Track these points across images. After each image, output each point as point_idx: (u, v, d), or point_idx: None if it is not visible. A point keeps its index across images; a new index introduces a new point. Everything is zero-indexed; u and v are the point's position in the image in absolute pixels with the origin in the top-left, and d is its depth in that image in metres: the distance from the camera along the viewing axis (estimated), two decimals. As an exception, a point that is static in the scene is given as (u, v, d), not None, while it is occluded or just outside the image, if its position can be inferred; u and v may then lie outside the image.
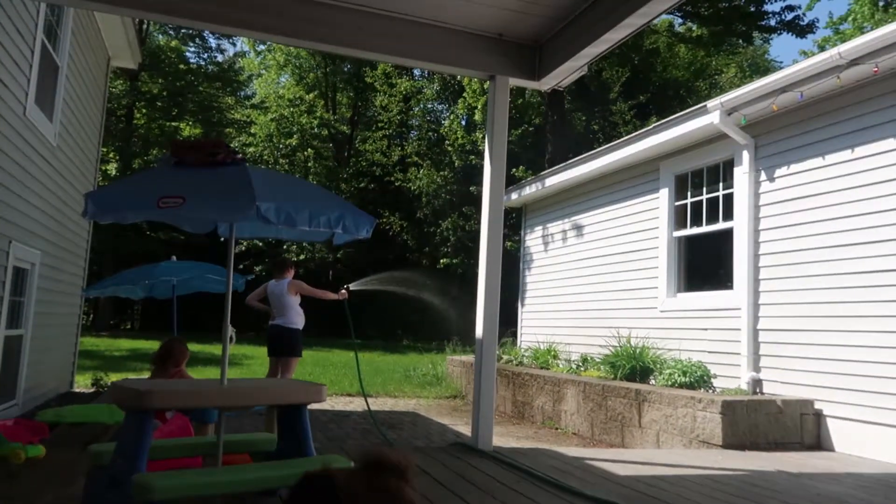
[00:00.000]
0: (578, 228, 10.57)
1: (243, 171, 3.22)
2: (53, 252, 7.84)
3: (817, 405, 6.28)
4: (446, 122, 28.54)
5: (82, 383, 9.65)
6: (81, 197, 8.75)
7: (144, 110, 27.90)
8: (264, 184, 3.15)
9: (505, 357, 10.61)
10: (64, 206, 8.14)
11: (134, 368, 12.25)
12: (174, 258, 7.16)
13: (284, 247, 27.47)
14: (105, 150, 20.25)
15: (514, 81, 5.75)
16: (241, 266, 24.96)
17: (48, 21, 6.98)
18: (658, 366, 7.54)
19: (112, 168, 25.65)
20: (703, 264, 8.76)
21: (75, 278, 9.25)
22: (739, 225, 7.31)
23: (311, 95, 30.50)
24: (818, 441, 6.25)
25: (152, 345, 16.54)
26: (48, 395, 8.22)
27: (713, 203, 7.89)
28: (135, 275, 6.81)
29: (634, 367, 7.61)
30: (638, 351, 7.80)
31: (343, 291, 6.73)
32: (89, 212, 2.98)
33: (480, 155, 24.96)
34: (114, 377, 9.19)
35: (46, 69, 7.00)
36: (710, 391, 6.84)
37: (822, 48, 23.91)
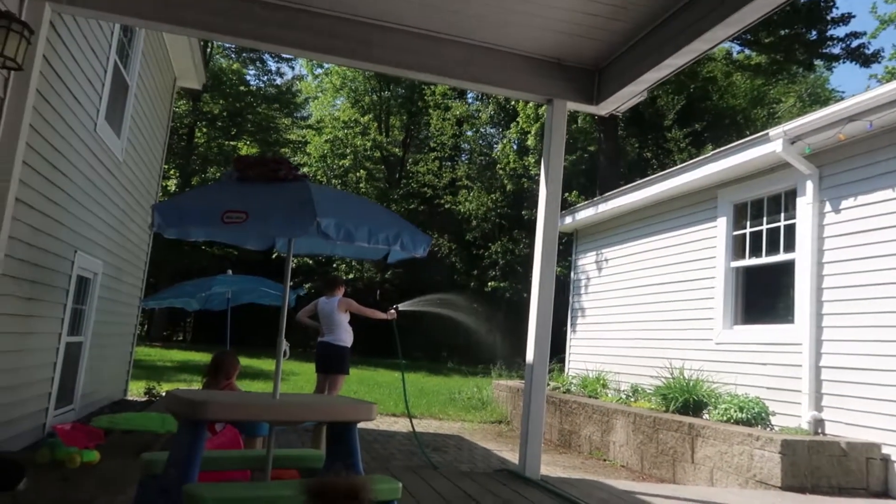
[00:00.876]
0: (631, 255, 10.38)
1: (304, 187, 3.26)
2: (115, 263, 8.09)
3: (885, 450, 5.95)
4: (498, 146, 28.64)
5: (135, 392, 9.88)
6: (144, 211, 9.06)
7: (205, 129, 28.86)
8: (325, 200, 3.18)
9: (552, 384, 10.44)
10: (127, 219, 8.42)
11: (185, 380, 12.51)
12: (230, 272, 7.31)
13: (334, 265, 27.81)
14: (167, 166, 20.94)
15: (572, 105, 5.72)
16: (291, 283, 25.34)
17: (121, 42, 7.28)
18: (713, 400, 7.29)
19: (172, 184, 26.51)
20: (762, 296, 8.47)
21: (134, 289, 9.53)
22: (802, 257, 7.05)
23: (366, 118, 31.03)
24: (886, 488, 5.90)
25: (203, 357, 16.88)
26: (102, 401, 8.44)
27: (774, 233, 7.64)
28: (192, 287, 6.97)
29: (688, 400, 7.37)
30: (691, 383, 7.55)
31: (392, 312, 6.73)
32: (156, 223, 3.06)
33: (532, 179, 24.92)
34: (166, 387, 9.39)
35: (117, 88, 7.29)
36: (769, 429, 6.57)
37: (893, 76, 23.16)
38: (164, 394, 8.54)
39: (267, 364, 16.74)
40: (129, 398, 9.55)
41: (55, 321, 6.15)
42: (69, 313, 6.44)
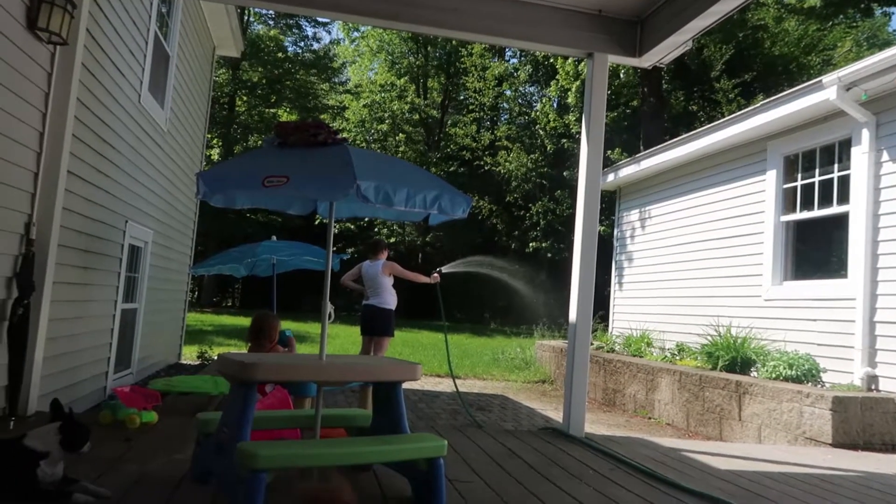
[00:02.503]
0: (676, 212, 10.17)
1: (344, 150, 3.27)
2: (164, 231, 8.30)
3: (943, 405, 5.79)
4: (538, 105, 28.15)
5: (188, 356, 10.23)
6: (189, 180, 9.23)
7: (245, 98, 29.11)
8: (364, 163, 3.19)
9: (596, 343, 10.41)
10: (174, 188, 8.60)
11: (235, 344, 12.88)
12: (274, 238, 7.43)
13: (376, 229, 28.02)
14: (209, 135, 21.26)
15: (614, 59, 5.56)
16: (334, 248, 25.72)
17: (160, 12, 7.34)
18: (761, 357, 7.17)
19: (215, 153, 26.92)
20: (813, 251, 8.23)
21: (183, 257, 9.78)
22: (856, 209, 6.80)
23: (403, 80, 30.80)
24: (943, 444, 5.76)
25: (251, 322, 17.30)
26: (158, 365, 8.76)
27: (826, 185, 7.38)
28: (238, 253, 7.12)
29: (735, 357, 7.27)
30: (739, 341, 7.44)
31: (435, 275, 6.77)
32: (201, 191, 3.11)
33: (572, 138, 24.48)
34: (217, 351, 9.69)
35: (158, 59, 7.38)
36: (819, 386, 6.44)
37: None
38: (215, 357, 8.82)
39: (313, 327, 17.10)
40: (183, 362, 9.90)
41: (110, 289, 6.37)
42: (123, 281, 6.66)
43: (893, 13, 23.77)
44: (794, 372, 6.56)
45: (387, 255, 7.01)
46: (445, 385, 9.67)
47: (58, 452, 2.88)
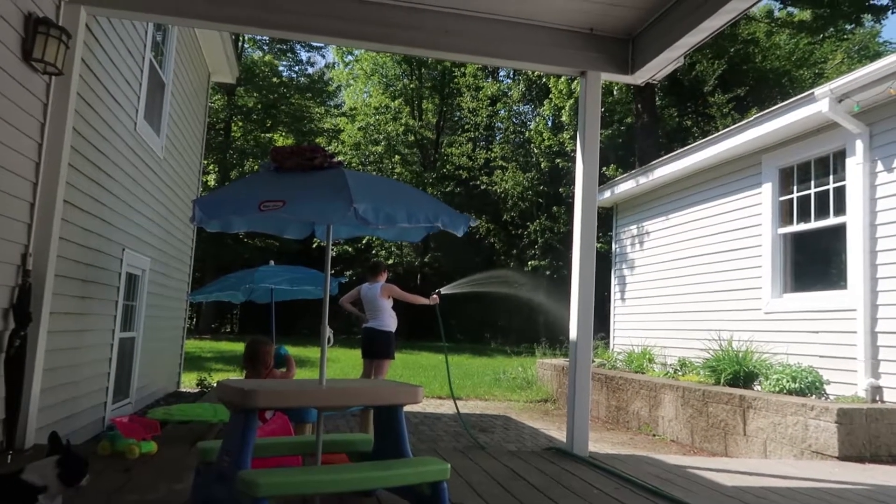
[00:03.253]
0: (674, 227, 10.19)
1: (340, 173, 3.27)
2: (161, 259, 8.29)
3: (948, 415, 5.75)
4: (532, 125, 28.33)
5: (188, 383, 10.15)
6: (186, 206, 9.23)
7: (241, 123, 29.26)
8: (361, 185, 3.19)
9: (597, 360, 10.36)
10: (171, 215, 8.60)
11: (234, 370, 12.80)
12: (272, 262, 7.42)
13: (374, 251, 28.02)
14: (205, 162, 21.34)
15: (607, 76, 5.60)
16: (332, 271, 25.73)
17: (155, 40, 7.39)
18: (763, 371, 7.13)
19: (211, 179, 26.99)
20: (812, 263, 8.23)
21: (181, 283, 9.75)
22: (853, 219, 6.81)
23: (397, 102, 31.02)
24: (950, 454, 5.71)
25: (251, 347, 17.20)
26: (157, 394, 8.69)
27: (822, 197, 7.40)
28: (236, 279, 7.09)
29: (737, 371, 7.23)
30: (741, 355, 7.40)
31: (434, 297, 6.73)
32: (197, 217, 3.10)
33: (567, 156, 24.61)
34: (217, 378, 9.62)
35: (154, 86, 7.42)
36: (823, 398, 6.40)
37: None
38: (215, 384, 8.76)
39: (312, 352, 17.01)
40: (183, 390, 9.82)
41: (108, 318, 6.33)
42: (121, 310, 6.63)
43: (884, 23, 23.94)
44: (797, 385, 6.52)
45: (386, 278, 6.99)
46: (447, 407, 9.60)
47: (56, 486, 2.84)
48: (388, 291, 6.72)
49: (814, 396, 6.42)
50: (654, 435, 7.81)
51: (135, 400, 7.40)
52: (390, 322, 6.71)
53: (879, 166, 6.63)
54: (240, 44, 28.61)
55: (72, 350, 5.39)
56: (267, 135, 29.09)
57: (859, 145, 6.76)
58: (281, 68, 31.19)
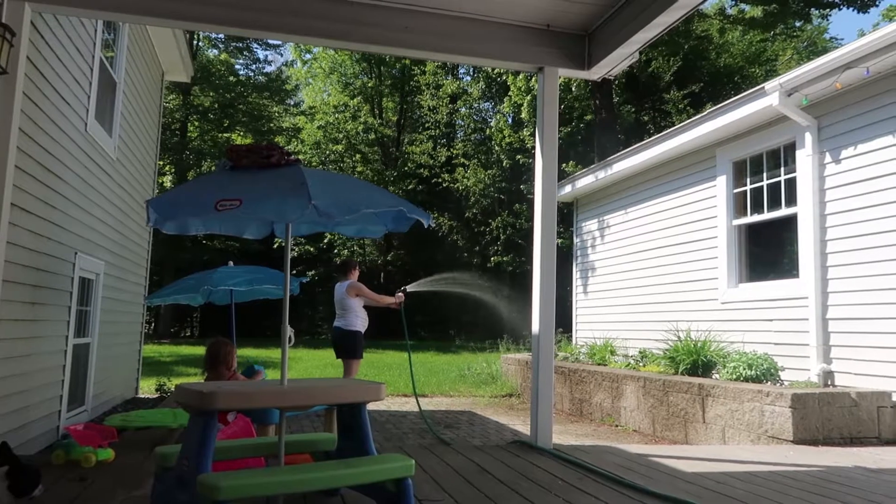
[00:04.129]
0: (633, 220, 10.35)
1: (297, 171, 3.23)
2: (116, 263, 8.08)
3: (896, 397, 5.97)
4: (492, 122, 28.47)
5: (146, 389, 9.93)
6: (141, 209, 9.03)
7: (197, 123, 28.71)
8: (318, 182, 3.15)
9: (560, 354, 10.46)
10: (125, 217, 8.39)
11: (195, 374, 12.58)
12: (231, 263, 7.29)
13: (336, 251, 27.82)
14: (161, 163, 20.88)
15: (564, 72, 5.65)
16: (293, 271, 25.48)
17: (105, 39, 7.20)
18: (721, 359, 7.30)
19: (167, 181, 26.45)
20: (766, 253, 8.46)
21: (138, 287, 9.53)
22: (804, 210, 7.02)
23: (355, 101, 30.84)
24: (898, 434, 5.93)
25: (212, 350, 16.92)
26: (115, 401, 8.48)
27: (774, 189, 7.59)
28: (195, 281, 6.95)
29: (696, 360, 7.38)
30: (699, 344, 7.56)
31: (400, 295, 6.71)
32: (152, 219, 3.03)
33: (528, 153, 24.78)
34: (177, 382, 9.43)
35: (105, 86, 7.22)
36: (778, 384, 6.58)
37: (889, 19, 22.77)
38: (174, 389, 8.59)
39: (274, 353, 16.82)
40: (141, 396, 9.60)
41: (61, 324, 6.15)
42: (74, 315, 6.45)
43: (831, 20, 24.76)
44: (753, 372, 6.69)
45: (357, 276, 6.91)
46: (412, 404, 9.59)
47: (7, 498, 2.75)
48: (354, 290, 6.67)
49: (769, 383, 6.59)
50: (616, 425, 7.93)
51: (91, 407, 7.21)
52: (356, 322, 6.66)
53: (828, 158, 6.84)
54: (195, 42, 28.06)
55: (22, 357, 5.22)
56: (224, 135, 28.61)
57: (808, 138, 6.96)
58: (238, 67, 30.70)
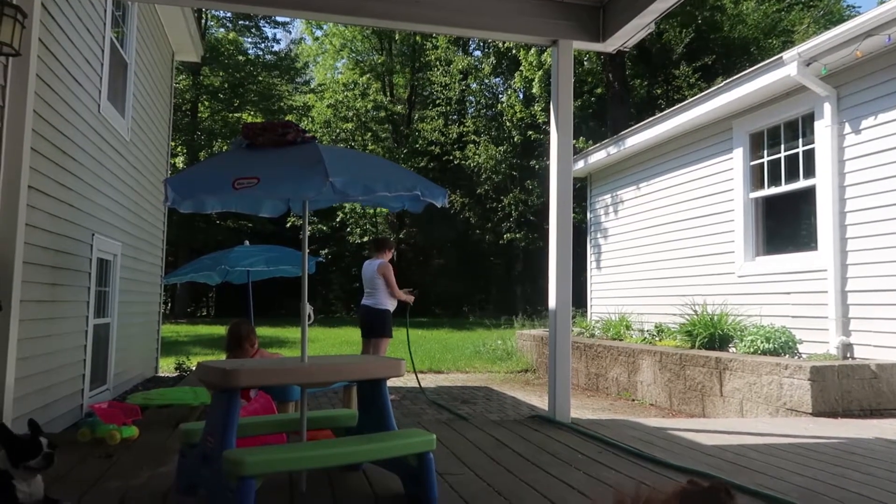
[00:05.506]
0: (647, 195, 10.27)
1: (314, 148, 3.22)
2: (132, 243, 8.14)
3: (916, 368, 5.92)
4: (504, 98, 28.22)
5: (166, 368, 10.06)
6: (156, 189, 9.06)
7: (207, 103, 28.69)
8: (335, 159, 3.14)
9: (576, 329, 10.47)
10: (140, 198, 8.43)
11: (213, 354, 12.71)
12: (247, 243, 7.33)
13: (348, 229, 27.85)
14: (173, 143, 20.91)
15: (578, 45, 5.57)
16: (307, 250, 25.56)
17: (115, 19, 7.17)
18: (738, 333, 7.27)
19: (180, 161, 26.51)
20: (783, 226, 8.36)
21: (154, 268, 9.60)
22: (823, 182, 6.92)
23: (365, 78, 30.65)
24: (918, 406, 5.90)
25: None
26: (135, 379, 8.60)
27: (792, 160, 7.50)
28: (211, 260, 7.00)
29: (713, 334, 7.36)
30: (716, 318, 7.53)
31: (412, 295, 6.88)
32: (170, 198, 3.03)
33: (539, 129, 24.58)
34: (195, 361, 9.53)
35: (116, 66, 7.21)
36: (796, 357, 6.55)
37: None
38: (193, 368, 8.69)
39: (291, 332, 16.94)
40: (161, 374, 9.73)
41: (81, 304, 6.22)
42: (94, 296, 6.51)
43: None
44: (771, 345, 6.66)
45: (390, 257, 6.94)
46: (429, 380, 9.65)
47: (13, 469, 2.78)
48: (382, 270, 6.68)
49: (787, 356, 6.56)
50: (633, 400, 7.94)
51: (113, 386, 7.31)
52: (386, 301, 6.68)
53: (847, 128, 6.72)
54: (203, 21, 27.93)
55: (45, 338, 5.29)
56: (235, 114, 28.57)
57: (827, 108, 6.84)
58: (246, 46, 30.56)
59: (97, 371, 6.80)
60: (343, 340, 15.02)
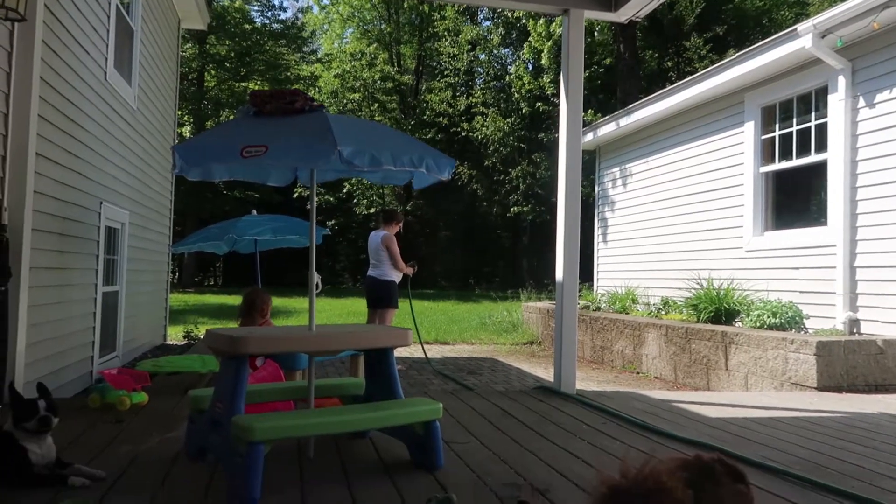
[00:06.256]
0: (657, 168, 10.19)
1: (322, 116, 3.19)
2: (140, 212, 8.15)
3: (922, 344, 5.92)
4: (512, 69, 27.91)
5: (174, 336, 10.15)
6: (163, 158, 9.05)
7: (214, 72, 28.49)
8: (344, 128, 3.12)
9: (582, 302, 10.48)
10: (147, 167, 8.42)
11: (221, 323, 12.80)
12: (254, 212, 7.32)
13: (355, 200, 27.82)
14: (180, 113, 20.82)
15: (590, 14, 5.48)
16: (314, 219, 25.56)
17: (120, -16, 7.09)
18: (745, 308, 7.26)
19: (186, 131, 26.43)
20: (793, 200, 8.31)
21: (162, 237, 9.63)
22: (834, 156, 6.85)
23: (372, 48, 30.32)
24: (923, 382, 5.90)
25: (236, 299, 17.16)
26: (144, 347, 8.68)
27: (804, 135, 7.41)
28: (218, 230, 7.00)
29: (719, 308, 7.36)
30: (722, 293, 7.52)
31: (413, 265, 6.91)
32: (178, 165, 3.03)
33: (548, 100, 24.34)
34: (203, 330, 9.61)
35: (122, 34, 7.15)
36: (803, 332, 6.55)
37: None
38: (201, 336, 8.76)
39: (297, 302, 17.04)
40: (169, 342, 9.82)
41: (90, 272, 6.25)
42: (102, 264, 6.55)
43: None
44: (777, 320, 6.66)
45: (396, 230, 6.94)
46: (435, 351, 9.71)
47: (20, 432, 2.82)
48: (386, 242, 6.70)
49: (794, 331, 6.56)
50: (638, 372, 7.98)
51: (122, 353, 7.39)
52: (391, 272, 6.70)
53: (861, 102, 6.63)
54: (209, -11, 27.58)
55: (55, 305, 5.33)
56: (242, 84, 28.37)
57: (842, 81, 6.74)
58: (253, 14, 30.21)
59: (106, 338, 6.86)
60: (350, 311, 15.10)
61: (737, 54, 7.99)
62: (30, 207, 4.56)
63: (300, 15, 33.66)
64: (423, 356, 7.67)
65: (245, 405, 3.05)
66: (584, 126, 11.99)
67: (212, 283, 30.66)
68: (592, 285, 12.03)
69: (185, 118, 26.43)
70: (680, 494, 1.25)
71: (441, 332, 11.80)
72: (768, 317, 6.71)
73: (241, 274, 25.70)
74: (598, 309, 10.07)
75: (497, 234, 29.52)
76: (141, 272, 8.31)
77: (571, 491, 2.92)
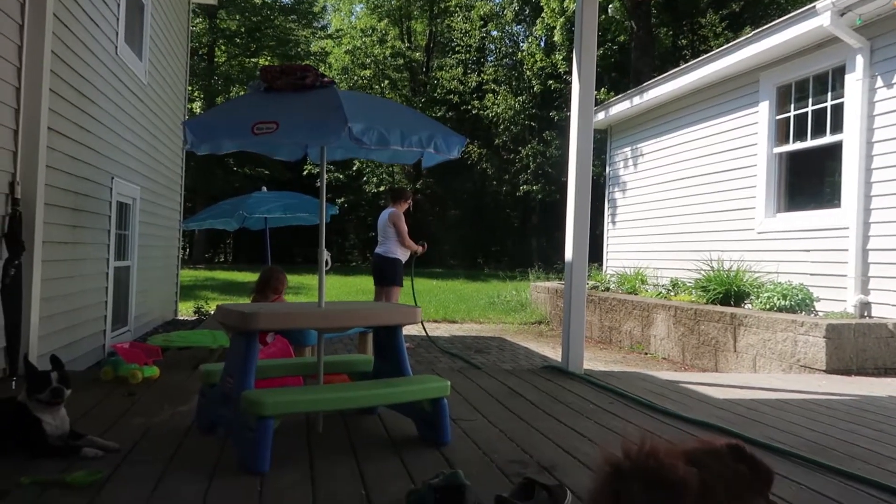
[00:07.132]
0: (669, 148, 10.10)
1: (333, 93, 3.18)
2: (151, 187, 8.18)
3: (934, 328, 5.88)
4: (524, 46, 27.64)
5: (185, 312, 10.23)
6: (174, 134, 9.06)
7: (224, 48, 28.39)
8: (354, 105, 3.10)
9: (590, 282, 10.47)
10: (158, 143, 8.44)
11: (231, 299, 12.89)
12: (264, 189, 7.35)
13: (365, 178, 27.80)
14: (190, 88, 20.77)
15: (604, -10, 5.40)
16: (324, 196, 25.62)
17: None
18: (755, 289, 7.23)
19: (197, 107, 26.41)
20: (806, 182, 8.22)
21: (173, 213, 9.68)
22: (850, 137, 6.76)
23: (383, 23, 30.09)
24: (933, 366, 5.88)
25: (245, 276, 17.31)
26: (155, 322, 8.77)
27: (819, 115, 7.31)
28: (229, 206, 7.04)
29: (729, 290, 7.33)
30: (732, 274, 7.49)
31: (422, 245, 6.93)
32: (189, 140, 3.03)
33: (560, 78, 24.11)
34: (213, 306, 9.69)
35: (132, 8, 7.12)
36: (813, 315, 6.52)
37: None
38: (212, 312, 8.83)
39: (307, 279, 17.12)
40: (180, 318, 9.91)
41: (102, 247, 6.30)
42: (114, 239, 6.60)
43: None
44: (787, 302, 6.63)
45: (405, 207, 6.96)
46: (443, 329, 9.76)
47: (34, 403, 2.86)
48: (393, 219, 6.72)
49: (804, 313, 6.54)
50: (646, 353, 7.99)
51: (133, 328, 7.47)
52: (397, 250, 6.73)
53: (879, 82, 6.52)
54: (219, -37, 27.39)
55: (67, 279, 5.38)
56: (252, 59, 28.28)
57: (860, 61, 6.63)
58: (263, -12, 29.99)
59: (118, 312, 6.94)
60: (359, 289, 15.16)
61: (753, 32, 7.87)
62: (42, 181, 4.58)
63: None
64: (424, 333, 7.75)
65: (255, 380, 3.08)
66: (596, 105, 11.90)
67: (222, 259, 30.85)
68: (601, 265, 12.02)
69: (196, 94, 26.41)
70: (682, 472, 1.26)
71: (449, 310, 11.85)
72: (778, 299, 6.68)
73: (251, 251, 25.83)
74: (607, 289, 10.06)
75: (506, 213, 29.46)
76: (152, 248, 8.37)
77: (578, 469, 2.94)
